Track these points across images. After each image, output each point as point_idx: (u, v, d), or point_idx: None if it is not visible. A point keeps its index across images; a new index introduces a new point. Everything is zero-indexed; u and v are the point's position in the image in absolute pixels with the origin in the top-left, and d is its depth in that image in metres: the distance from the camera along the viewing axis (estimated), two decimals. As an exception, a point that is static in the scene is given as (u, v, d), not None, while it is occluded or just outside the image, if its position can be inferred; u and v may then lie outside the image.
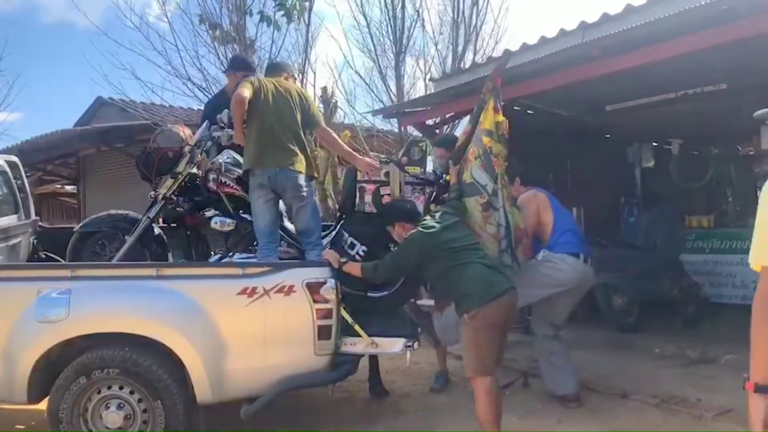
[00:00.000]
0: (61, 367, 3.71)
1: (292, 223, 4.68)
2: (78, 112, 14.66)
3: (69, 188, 15.31)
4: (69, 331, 3.70)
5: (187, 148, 4.64)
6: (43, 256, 5.18)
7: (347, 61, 15.59)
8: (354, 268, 4.14)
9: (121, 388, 3.72)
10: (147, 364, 3.67)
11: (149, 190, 4.65)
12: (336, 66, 27.64)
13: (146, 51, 10.99)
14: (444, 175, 4.76)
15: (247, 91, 4.29)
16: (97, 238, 4.79)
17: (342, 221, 4.82)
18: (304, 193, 4.42)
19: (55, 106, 35.41)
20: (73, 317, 3.67)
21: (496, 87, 4.48)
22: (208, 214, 4.67)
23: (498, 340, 3.83)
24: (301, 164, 4.41)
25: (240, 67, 5.27)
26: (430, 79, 11.29)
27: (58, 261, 4.91)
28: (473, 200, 4.30)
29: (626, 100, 7.32)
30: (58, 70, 35.54)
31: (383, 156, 5.26)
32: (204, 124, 4.76)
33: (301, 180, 4.41)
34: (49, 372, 3.72)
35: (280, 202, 4.53)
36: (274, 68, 4.96)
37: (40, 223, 5.64)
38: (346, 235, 4.62)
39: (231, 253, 4.69)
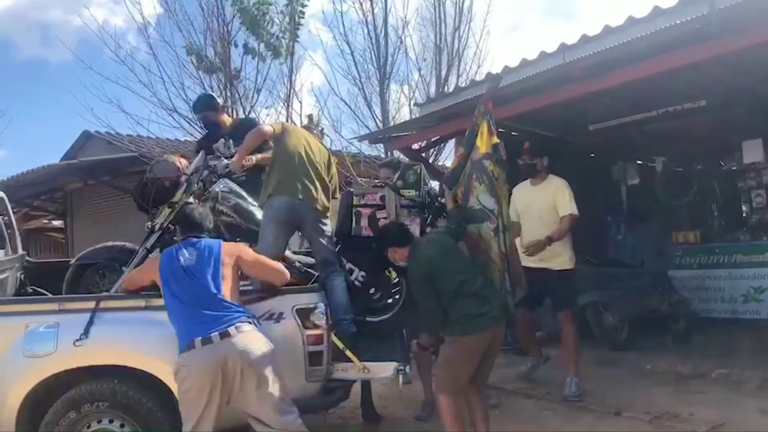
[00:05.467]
0: (50, 402, 3.67)
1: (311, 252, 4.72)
2: (64, 147, 14.60)
3: (56, 223, 15.24)
4: (57, 365, 3.66)
5: (183, 178, 4.67)
6: (31, 291, 5.14)
7: (332, 88, 15.70)
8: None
9: (111, 421, 3.68)
10: (137, 396, 3.64)
11: (137, 223, 4.66)
12: (321, 93, 27.70)
13: (131, 83, 11.00)
14: (439, 198, 4.80)
15: (269, 128, 4.53)
16: (95, 270, 4.78)
17: (339, 247, 4.81)
18: (324, 227, 4.47)
19: (41, 142, 35.38)
20: (61, 351, 3.64)
21: (488, 110, 4.54)
22: None
23: (475, 365, 3.94)
24: (321, 196, 4.48)
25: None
26: (415, 104, 11.39)
27: (46, 295, 4.88)
28: (485, 227, 4.31)
29: (608, 119, 7.42)
30: (40, 106, 35.57)
31: (378, 180, 5.31)
32: (200, 154, 4.80)
33: (321, 212, 4.47)
34: (38, 407, 3.68)
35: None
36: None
37: (27, 258, 5.61)
38: (344, 261, 4.62)
39: None
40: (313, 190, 4.41)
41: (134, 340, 3.77)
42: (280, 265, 3.99)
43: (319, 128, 5.25)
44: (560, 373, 5.45)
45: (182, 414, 3.45)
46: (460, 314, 3.88)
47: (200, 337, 3.38)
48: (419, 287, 4.00)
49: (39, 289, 5.09)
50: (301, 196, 4.34)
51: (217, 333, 3.39)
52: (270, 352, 3.51)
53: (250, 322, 3.54)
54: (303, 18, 9.81)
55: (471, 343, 3.88)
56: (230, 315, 3.51)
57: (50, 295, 4.70)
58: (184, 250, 3.73)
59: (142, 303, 3.85)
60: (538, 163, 5.40)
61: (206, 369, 3.36)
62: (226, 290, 3.63)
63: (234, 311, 3.54)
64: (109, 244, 4.90)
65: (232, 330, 3.43)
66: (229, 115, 9.59)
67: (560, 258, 5.27)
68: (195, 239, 3.83)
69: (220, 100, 6.23)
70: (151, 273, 3.81)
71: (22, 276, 5.33)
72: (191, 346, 3.39)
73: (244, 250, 3.93)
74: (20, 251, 5.47)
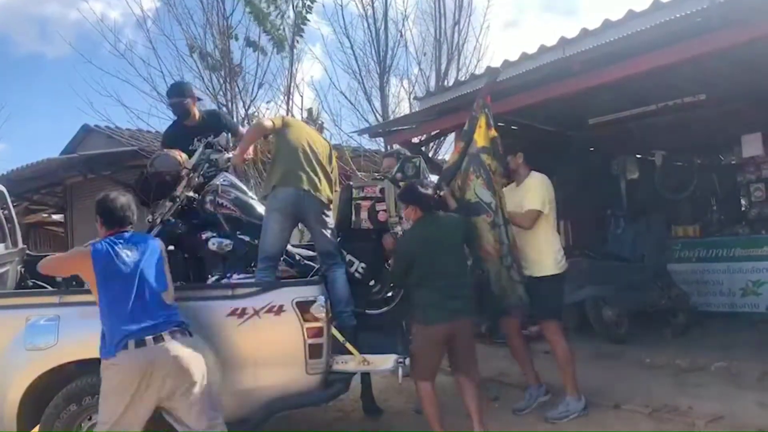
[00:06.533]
0: (51, 395, 3.68)
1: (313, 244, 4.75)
2: (64, 141, 14.57)
3: (56, 217, 15.22)
4: (58, 358, 3.68)
5: (184, 172, 4.67)
6: (31, 284, 5.15)
7: (332, 82, 15.62)
8: None
9: (111, 414, 3.69)
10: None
11: (138, 217, 4.64)
12: (321, 87, 27.60)
13: (130, 77, 10.94)
14: (438, 192, 4.80)
15: (270, 123, 4.54)
16: None
17: (339, 239, 4.81)
18: (327, 218, 4.51)
19: (41, 137, 35.38)
20: (62, 344, 3.67)
21: (487, 104, 4.56)
22: (205, 235, 4.67)
23: (440, 353, 4.25)
24: (325, 188, 4.52)
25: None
26: (415, 98, 11.36)
27: (46, 289, 4.88)
28: (481, 220, 4.39)
29: (608, 113, 7.42)
30: (39, 100, 35.57)
31: (378, 174, 5.31)
32: (200, 148, 4.80)
33: (325, 203, 4.50)
34: (39, 400, 3.69)
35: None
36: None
37: (27, 252, 5.61)
38: (344, 252, 4.63)
39: (229, 275, 4.68)
40: (318, 182, 4.44)
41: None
42: None
43: (319, 122, 5.26)
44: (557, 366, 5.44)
45: (100, 414, 3.38)
46: (425, 302, 4.14)
47: (134, 340, 3.31)
48: (403, 249, 4.28)
49: (39, 283, 5.10)
50: (306, 187, 4.36)
51: (151, 337, 3.34)
52: (199, 358, 3.47)
53: (182, 328, 3.50)
54: (310, 13, 9.74)
55: (430, 333, 4.14)
56: (167, 319, 3.46)
57: (51, 289, 4.72)
58: (123, 247, 3.58)
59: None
60: (511, 161, 5.00)
61: (135, 370, 3.29)
62: (169, 290, 3.60)
63: (171, 314, 3.50)
64: None
65: (165, 335, 3.38)
66: (228, 109, 9.65)
67: (540, 264, 4.86)
68: (127, 234, 3.71)
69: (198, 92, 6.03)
70: (79, 265, 3.65)
71: (23, 269, 5.34)
72: (124, 347, 3.30)
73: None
74: (20, 245, 5.48)
